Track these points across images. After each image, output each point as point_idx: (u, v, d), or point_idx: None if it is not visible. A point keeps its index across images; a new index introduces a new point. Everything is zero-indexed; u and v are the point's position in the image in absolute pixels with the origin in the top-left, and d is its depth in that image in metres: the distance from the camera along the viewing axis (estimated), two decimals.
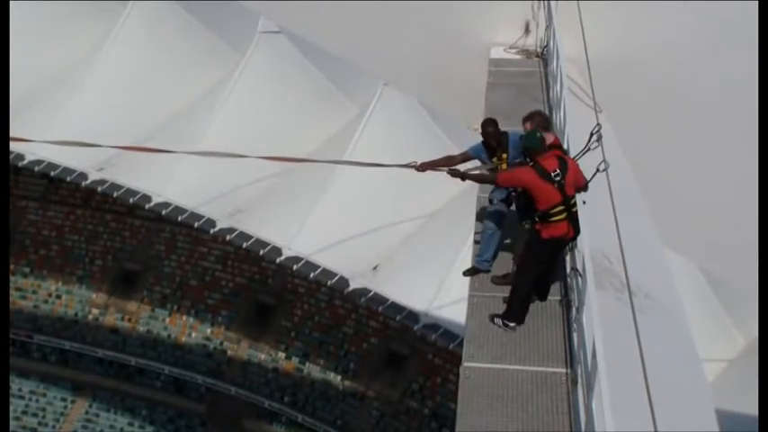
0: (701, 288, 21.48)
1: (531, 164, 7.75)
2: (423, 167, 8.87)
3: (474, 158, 9.15)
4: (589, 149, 8.14)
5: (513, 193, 8.71)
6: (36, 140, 13.89)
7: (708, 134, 14.33)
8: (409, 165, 9.05)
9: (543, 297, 8.34)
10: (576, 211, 7.82)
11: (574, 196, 7.77)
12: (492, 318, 8.05)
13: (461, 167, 8.90)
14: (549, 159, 7.73)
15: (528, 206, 8.07)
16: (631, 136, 12.45)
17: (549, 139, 8.36)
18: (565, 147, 9.37)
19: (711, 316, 21.56)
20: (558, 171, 7.63)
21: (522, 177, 7.77)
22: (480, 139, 9.18)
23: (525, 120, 8.83)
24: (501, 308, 8.12)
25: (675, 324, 8.36)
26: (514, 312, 7.98)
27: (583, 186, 7.97)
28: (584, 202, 7.77)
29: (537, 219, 7.76)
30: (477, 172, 8.81)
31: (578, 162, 8.26)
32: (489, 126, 9.00)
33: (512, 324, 7.94)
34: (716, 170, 14.63)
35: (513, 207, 8.93)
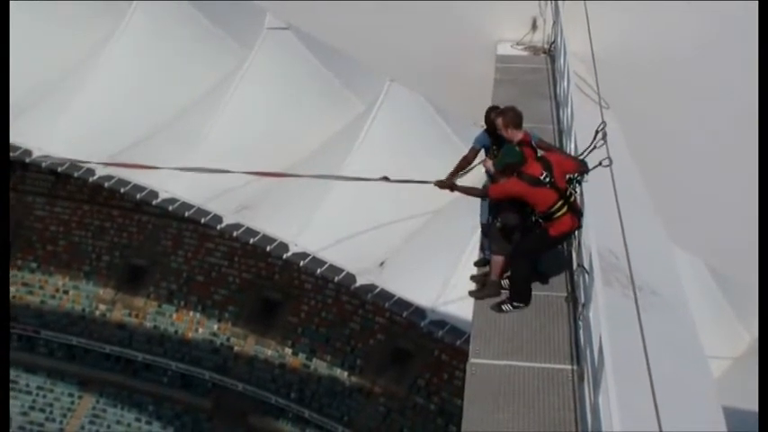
0: (707, 285, 21.45)
1: (516, 174, 7.79)
2: (442, 184, 8.60)
3: (481, 149, 9.17)
4: (595, 147, 8.15)
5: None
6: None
7: (714, 131, 14.34)
8: (380, 179, 9.06)
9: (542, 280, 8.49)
10: (575, 200, 7.88)
11: (567, 187, 7.83)
12: (499, 306, 8.10)
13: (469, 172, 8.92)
14: (532, 165, 7.80)
15: (511, 207, 8.16)
16: (638, 132, 12.46)
17: (519, 135, 8.39)
18: (572, 144, 9.39)
19: (717, 313, 21.54)
20: (545, 172, 7.68)
21: (514, 190, 7.83)
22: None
23: (498, 114, 8.71)
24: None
25: (681, 321, 8.36)
26: (521, 294, 8.08)
27: (578, 169, 8.03)
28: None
29: (541, 219, 7.83)
30: (468, 185, 8.74)
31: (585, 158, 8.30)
32: (492, 113, 8.98)
33: (522, 305, 8.04)
34: (722, 166, 14.64)
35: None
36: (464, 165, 9.14)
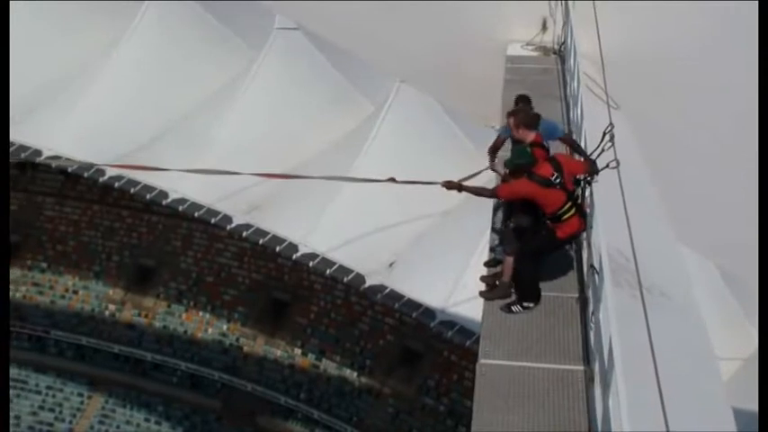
0: (716, 285, 21.39)
1: (527, 175, 7.74)
2: (450, 185, 8.30)
3: (506, 139, 9.14)
4: (603, 150, 8.15)
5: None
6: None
7: (723, 131, 14.30)
8: (387, 180, 9.03)
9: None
10: (582, 202, 7.86)
11: (575, 189, 7.82)
12: (509, 307, 8.05)
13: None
14: (544, 166, 7.73)
15: (525, 210, 8.12)
16: (647, 133, 12.44)
17: (530, 136, 8.35)
18: (582, 144, 9.39)
19: (726, 313, 21.47)
20: (556, 173, 7.65)
21: (524, 190, 7.77)
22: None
23: (509, 114, 8.64)
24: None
25: (690, 322, 8.35)
26: (529, 293, 8.04)
27: (587, 171, 8.02)
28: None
29: (549, 221, 7.78)
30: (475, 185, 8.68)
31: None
32: (521, 102, 8.91)
33: (531, 305, 7.99)
34: (732, 167, 14.60)
35: None
36: (495, 149, 9.11)
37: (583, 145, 9.31)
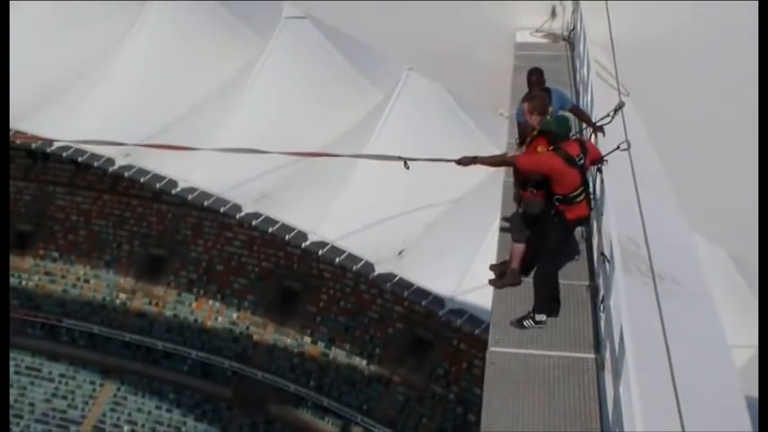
0: (729, 273, 21.30)
1: (553, 148, 7.62)
2: (466, 161, 7.99)
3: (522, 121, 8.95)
4: (608, 116, 8.11)
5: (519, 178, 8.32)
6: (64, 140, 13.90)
7: (736, 117, 14.22)
8: (400, 158, 8.90)
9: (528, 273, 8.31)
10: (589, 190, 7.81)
11: (588, 176, 7.78)
12: (520, 321, 7.81)
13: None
14: (572, 144, 7.63)
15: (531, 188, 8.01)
16: (658, 119, 12.38)
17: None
18: (590, 130, 9.34)
19: (739, 301, 21.37)
20: (582, 155, 7.57)
21: (548, 163, 7.54)
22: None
23: (524, 100, 8.43)
24: (525, 295, 8.08)
25: (702, 309, 8.31)
26: (547, 301, 7.81)
27: (599, 160, 7.97)
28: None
29: (558, 202, 7.66)
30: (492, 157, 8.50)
31: (602, 138, 8.26)
32: (533, 75, 8.75)
33: (543, 318, 7.75)
34: (744, 154, 14.52)
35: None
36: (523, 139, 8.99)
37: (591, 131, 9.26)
